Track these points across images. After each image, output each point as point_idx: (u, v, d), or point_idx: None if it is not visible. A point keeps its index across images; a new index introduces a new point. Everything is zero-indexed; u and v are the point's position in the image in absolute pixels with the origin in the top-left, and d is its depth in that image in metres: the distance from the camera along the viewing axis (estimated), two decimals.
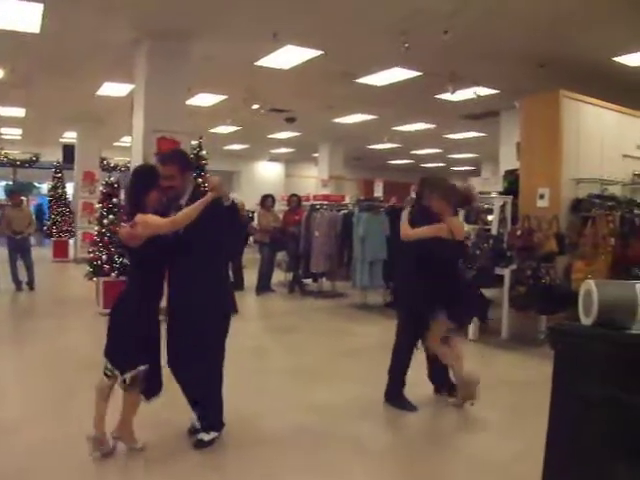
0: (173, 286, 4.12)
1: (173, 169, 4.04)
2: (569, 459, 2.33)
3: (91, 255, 9.11)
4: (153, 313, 4.01)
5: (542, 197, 8.12)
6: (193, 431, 4.24)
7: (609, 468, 1.62)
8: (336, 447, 4.30)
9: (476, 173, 24.54)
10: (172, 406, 4.36)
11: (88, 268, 9.17)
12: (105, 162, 20.27)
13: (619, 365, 2.21)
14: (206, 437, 4.13)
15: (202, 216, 3.80)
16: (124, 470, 3.91)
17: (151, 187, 3.95)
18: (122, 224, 4.05)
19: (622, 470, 1.59)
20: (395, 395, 5.14)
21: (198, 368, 4.04)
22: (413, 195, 5.88)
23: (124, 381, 3.85)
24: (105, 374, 3.90)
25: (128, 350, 3.86)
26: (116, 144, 20.32)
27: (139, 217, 3.81)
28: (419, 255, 4.96)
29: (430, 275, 4.89)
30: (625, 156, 9.10)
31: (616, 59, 9.11)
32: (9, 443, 4.15)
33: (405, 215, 5.19)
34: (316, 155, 21.73)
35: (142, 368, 3.85)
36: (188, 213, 3.80)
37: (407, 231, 5.04)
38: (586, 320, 2.39)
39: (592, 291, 2.33)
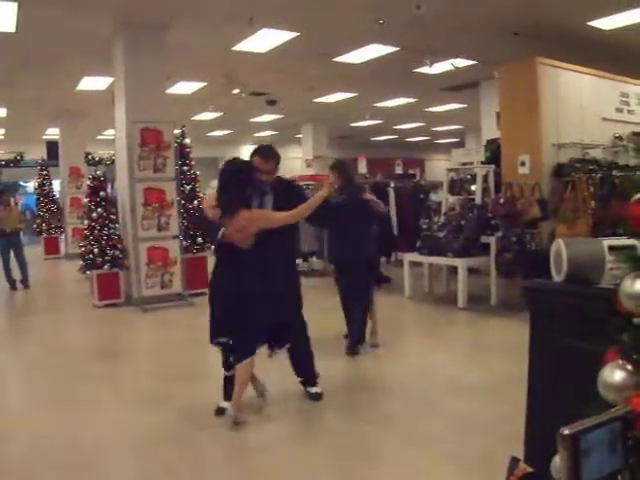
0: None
1: (273, 165, 4.27)
2: (547, 408, 2.47)
3: (82, 249, 9.20)
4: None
5: (523, 164, 8.21)
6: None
7: (581, 412, 1.75)
8: None
9: (460, 144, 24.60)
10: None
11: (81, 262, 9.25)
12: (90, 157, 20.15)
13: (589, 317, 2.34)
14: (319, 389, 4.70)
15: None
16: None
17: (251, 182, 4.08)
18: (221, 224, 4.03)
19: (591, 412, 1.72)
20: None
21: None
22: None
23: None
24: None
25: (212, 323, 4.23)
26: (100, 137, 20.26)
27: (257, 213, 4.05)
28: None
29: None
30: (605, 119, 9.11)
31: (590, 23, 9.15)
32: (19, 438, 4.24)
33: None
34: (299, 136, 21.74)
35: (220, 340, 4.18)
36: (310, 206, 4.15)
37: None
38: (557, 277, 2.51)
39: (561, 249, 2.45)
